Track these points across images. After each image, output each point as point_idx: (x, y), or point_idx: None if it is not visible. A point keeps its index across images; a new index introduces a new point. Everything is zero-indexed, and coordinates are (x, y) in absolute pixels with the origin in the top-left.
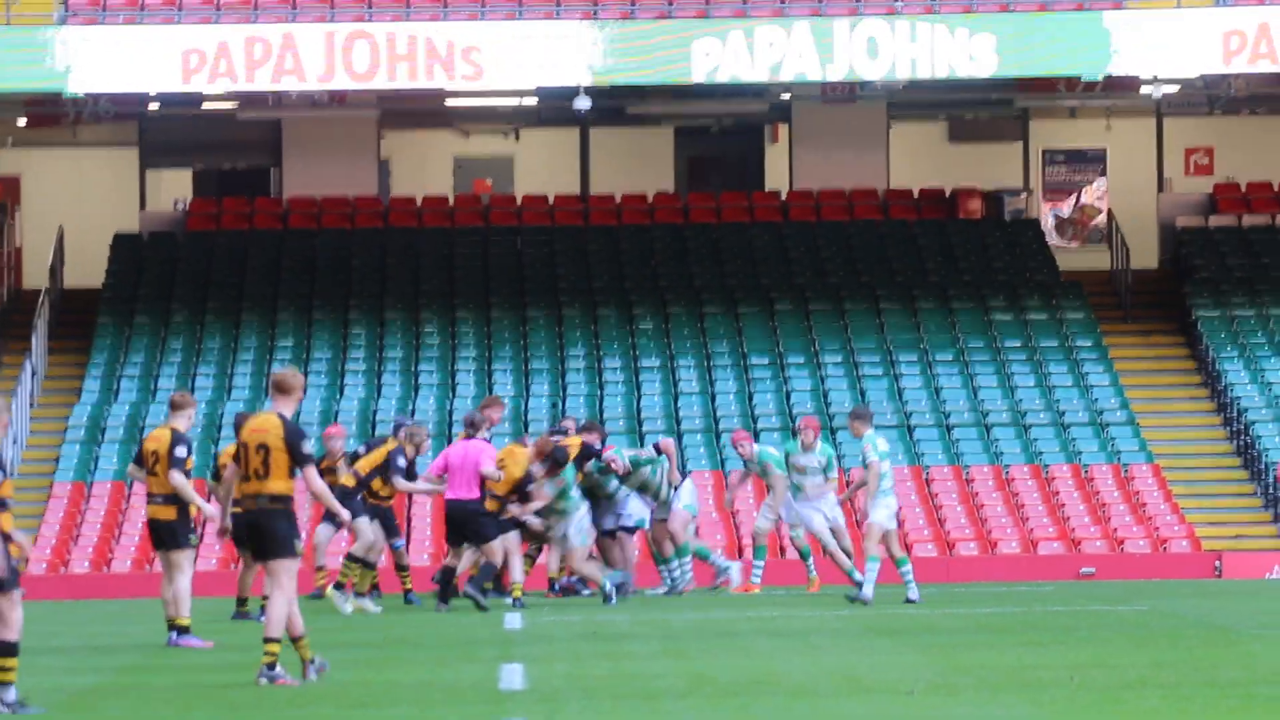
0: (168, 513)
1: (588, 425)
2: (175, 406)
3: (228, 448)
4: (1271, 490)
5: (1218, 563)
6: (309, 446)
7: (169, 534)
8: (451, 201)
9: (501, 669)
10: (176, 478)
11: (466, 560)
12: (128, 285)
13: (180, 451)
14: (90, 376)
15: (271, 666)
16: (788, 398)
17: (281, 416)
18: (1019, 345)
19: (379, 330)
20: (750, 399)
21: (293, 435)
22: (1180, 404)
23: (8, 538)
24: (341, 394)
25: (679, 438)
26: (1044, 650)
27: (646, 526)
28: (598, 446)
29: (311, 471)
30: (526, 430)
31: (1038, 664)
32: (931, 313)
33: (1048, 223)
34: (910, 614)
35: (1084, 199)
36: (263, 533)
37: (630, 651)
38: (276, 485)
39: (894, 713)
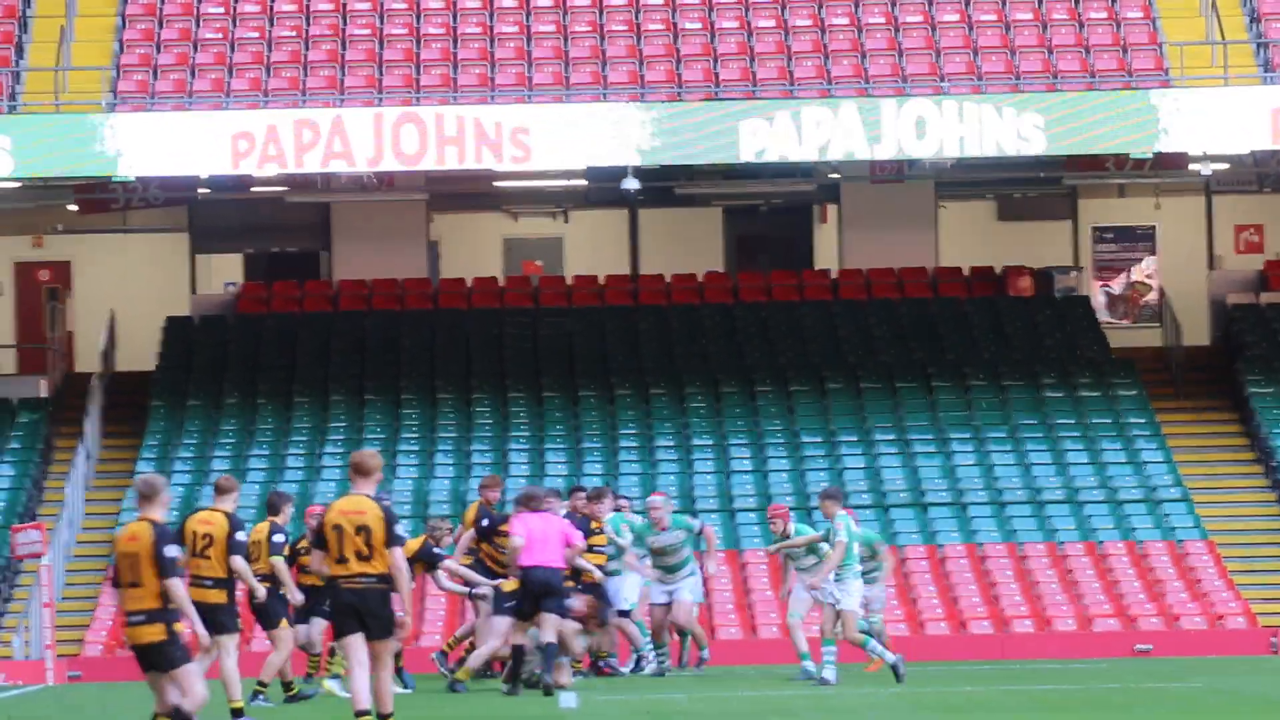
0: (218, 596)
1: (596, 492)
2: (223, 490)
3: (259, 525)
4: None
5: (1274, 639)
6: (401, 529)
7: (216, 618)
8: (501, 282)
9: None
10: (238, 562)
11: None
12: (180, 368)
13: (241, 536)
14: (143, 459)
15: None
16: (840, 475)
17: (373, 498)
18: (1072, 423)
19: (431, 411)
20: (803, 477)
21: (390, 517)
22: (1234, 480)
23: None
24: (394, 474)
25: (731, 516)
26: None
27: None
28: (606, 512)
29: (399, 552)
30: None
31: None
32: (983, 390)
33: (1098, 300)
34: (965, 692)
35: (1134, 276)
36: (371, 613)
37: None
38: (380, 565)
39: None
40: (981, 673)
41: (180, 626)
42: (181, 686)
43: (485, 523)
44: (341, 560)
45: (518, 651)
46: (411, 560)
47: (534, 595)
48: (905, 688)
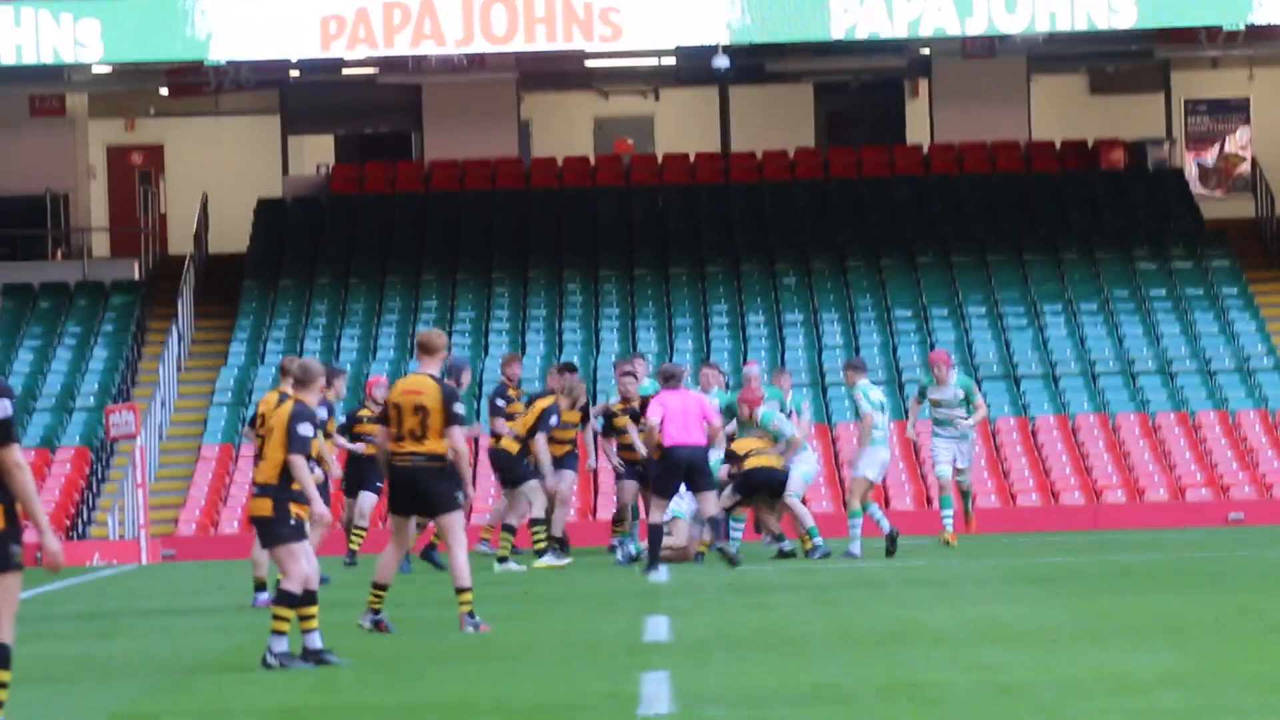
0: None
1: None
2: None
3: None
4: None
5: None
6: (460, 408)
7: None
8: (593, 162)
9: (646, 622)
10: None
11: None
12: (272, 250)
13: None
14: (236, 340)
15: (472, 615)
16: (932, 348)
17: (435, 379)
18: (1164, 294)
19: (523, 290)
20: (894, 351)
21: (449, 397)
22: None
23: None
24: (486, 353)
25: (823, 391)
26: (1189, 596)
27: None
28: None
29: (459, 432)
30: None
31: (1183, 610)
32: (1075, 263)
33: (1192, 172)
34: (1056, 563)
35: (1228, 148)
36: (425, 492)
37: (776, 603)
38: (434, 445)
39: (1036, 660)
40: (1073, 543)
41: (295, 506)
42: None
43: (500, 401)
44: (399, 438)
45: (655, 531)
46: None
47: (680, 474)
48: (992, 559)
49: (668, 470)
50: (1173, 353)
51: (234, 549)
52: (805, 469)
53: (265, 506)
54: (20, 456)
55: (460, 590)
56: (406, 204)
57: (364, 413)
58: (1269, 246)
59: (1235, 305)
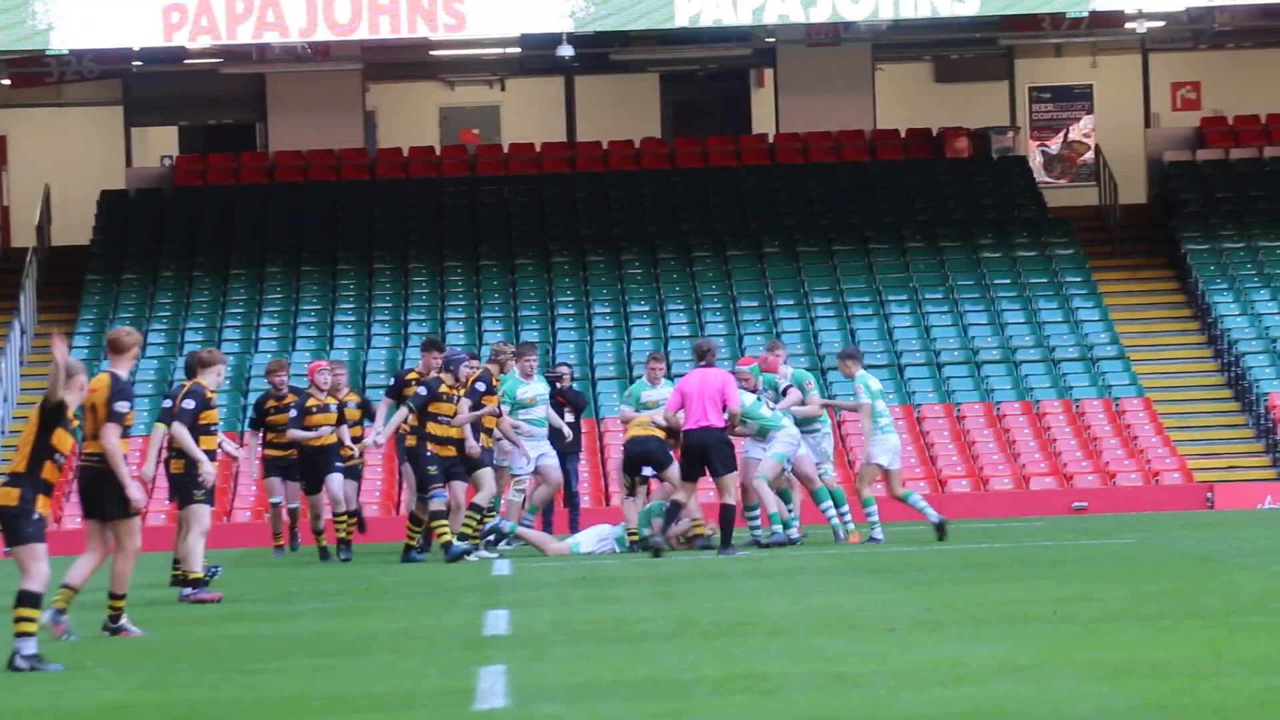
0: (177, 466)
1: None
2: (203, 364)
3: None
4: (1263, 421)
5: (1209, 494)
6: (123, 406)
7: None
8: (438, 151)
9: (487, 615)
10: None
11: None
12: (115, 242)
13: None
14: (80, 333)
15: (115, 619)
16: (778, 338)
17: (113, 375)
18: (1008, 283)
19: (368, 281)
20: (740, 341)
21: (114, 395)
22: (1170, 337)
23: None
24: (331, 345)
25: (670, 380)
26: (1030, 585)
27: None
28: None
29: (112, 430)
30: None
31: (1023, 599)
32: (920, 251)
33: (1036, 160)
34: (898, 552)
35: (1072, 136)
36: (97, 496)
37: (618, 595)
38: (96, 445)
39: (874, 650)
40: (915, 533)
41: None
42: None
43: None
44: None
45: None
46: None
47: (697, 458)
48: (837, 549)
49: (686, 455)
50: (1017, 341)
51: (77, 544)
52: (780, 449)
53: (11, 496)
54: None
55: (67, 585)
56: (251, 195)
57: (312, 402)
58: (1112, 235)
59: (1079, 294)
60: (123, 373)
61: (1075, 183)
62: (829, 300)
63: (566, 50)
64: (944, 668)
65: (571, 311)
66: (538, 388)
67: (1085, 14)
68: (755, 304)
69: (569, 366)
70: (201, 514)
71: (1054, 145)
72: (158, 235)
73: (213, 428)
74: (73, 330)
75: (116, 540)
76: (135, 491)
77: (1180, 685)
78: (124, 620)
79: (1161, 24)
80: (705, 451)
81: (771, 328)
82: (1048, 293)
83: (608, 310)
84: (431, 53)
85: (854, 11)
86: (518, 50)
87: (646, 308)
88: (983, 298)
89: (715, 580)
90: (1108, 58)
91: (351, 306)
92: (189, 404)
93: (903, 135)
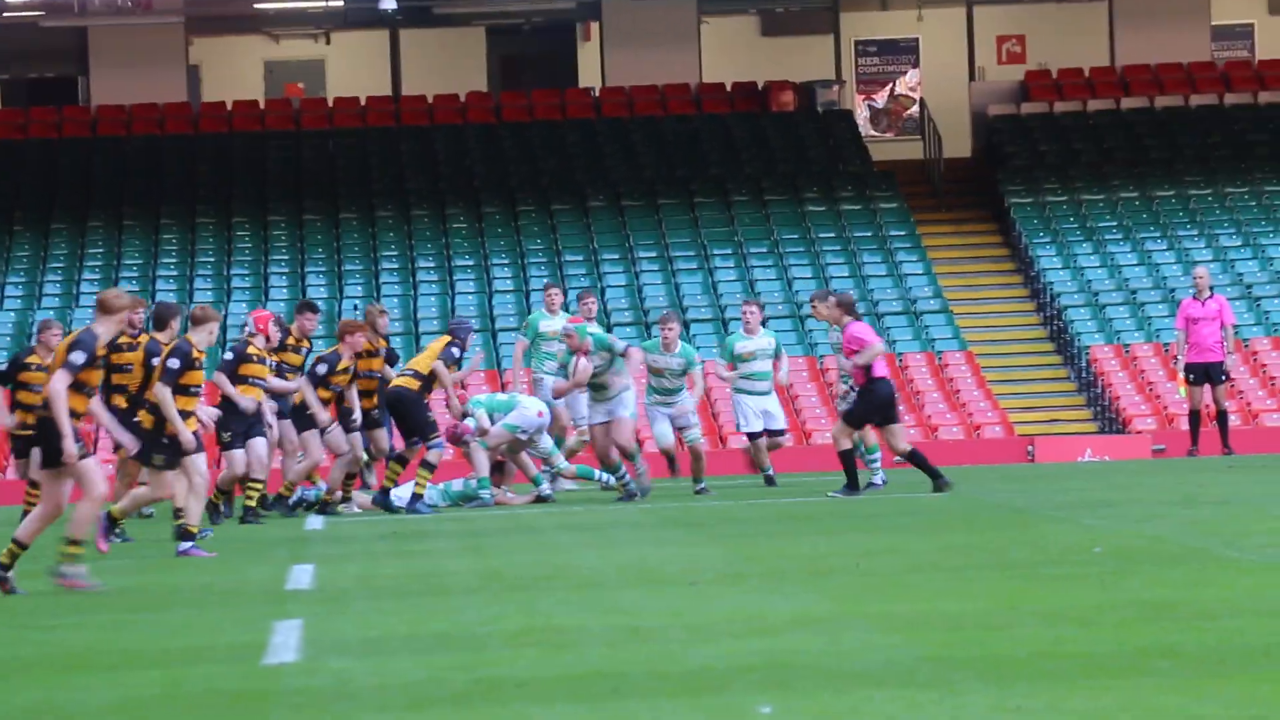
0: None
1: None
2: (195, 321)
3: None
4: (1084, 374)
5: (1030, 447)
6: (78, 357)
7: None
8: (262, 105)
9: (291, 570)
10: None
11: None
12: None
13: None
14: None
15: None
16: (603, 294)
17: (86, 329)
18: (832, 236)
19: (190, 236)
20: (565, 294)
21: (73, 345)
22: (994, 291)
23: None
24: (153, 299)
25: (493, 336)
26: (838, 538)
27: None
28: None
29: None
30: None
31: (830, 552)
32: (745, 206)
33: (863, 114)
34: (713, 506)
35: (898, 90)
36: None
37: (427, 550)
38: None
39: (673, 603)
40: (733, 487)
41: None
42: None
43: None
44: None
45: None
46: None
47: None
48: (651, 504)
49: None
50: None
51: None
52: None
53: None
54: None
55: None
56: (73, 149)
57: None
58: (937, 188)
59: (903, 247)
60: (100, 330)
61: (901, 137)
62: (654, 255)
63: (389, 4)
64: (739, 620)
65: (395, 266)
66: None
67: None
68: (581, 258)
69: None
70: (162, 482)
71: (880, 99)
72: None
73: (194, 389)
74: None
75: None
76: (70, 444)
77: (970, 636)
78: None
79: None
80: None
81: (596, 282)
82: (872, 246)
83: (431, 265)
84: (255, 5)
85: None
86: (341, 3)
87: (471, 262)
88: (807, 251)
89: (528, 535)
90: (933, 11)
91: (174, 261)
92: (173, 363)
93: (728, 89)
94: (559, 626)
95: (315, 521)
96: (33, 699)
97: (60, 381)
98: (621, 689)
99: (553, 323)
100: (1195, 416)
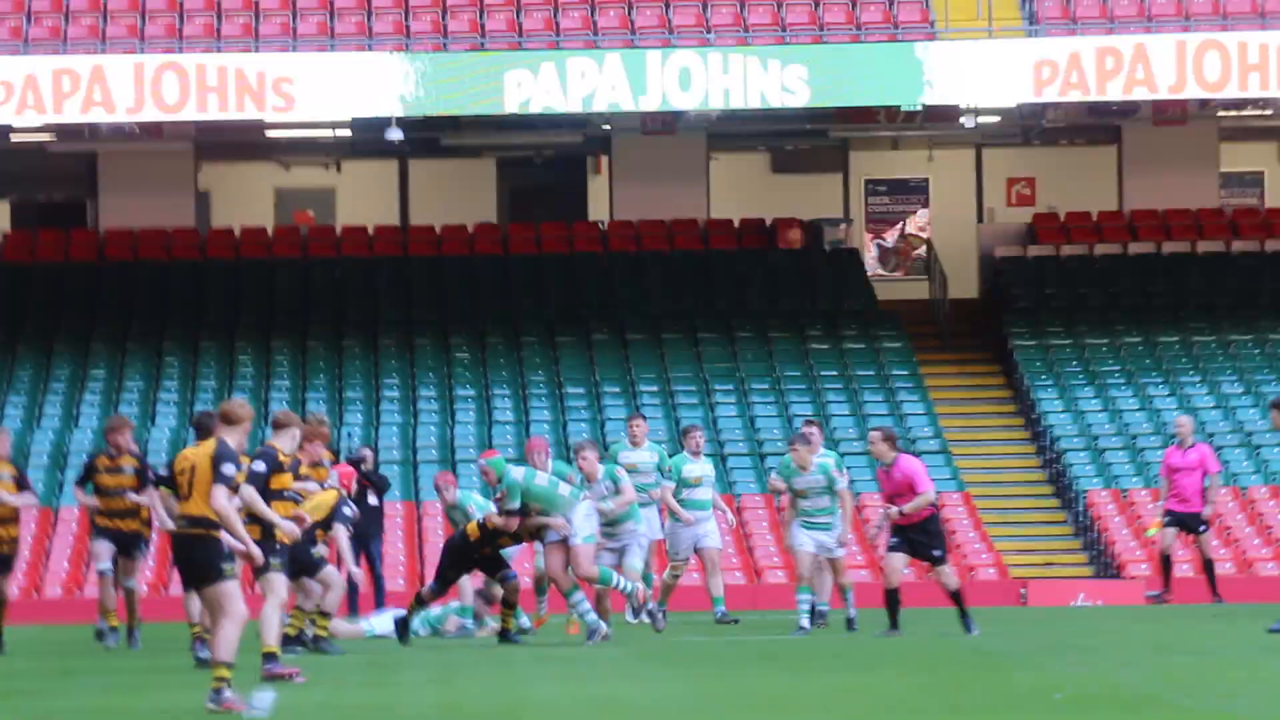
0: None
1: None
2: (278, 426)
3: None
4: (1081, 519)
5: (1023, 590)
6: (229, 469)
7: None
8: (270, 233)
9: (254, 694)
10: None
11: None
12: None
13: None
14: None
15: (219, 691)
16: (603, 426)
17: (220, 440)
18: (835, 374)
19: (193, 361)
20: (564, 428)
21: (220, 458)
22: (994, 433)
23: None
24: (153, 423)
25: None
26: (812, 676)
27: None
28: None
29: (220, 491)
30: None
31: (799, 690)
32: (749, 342)
33: (871, 253)
34: (698, 641)
35: (908, 229)
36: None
37: (397, 681)
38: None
39: None
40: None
41: None
42: None
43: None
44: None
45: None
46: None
47: None
48: (626, 643)
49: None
50: (841, 433)
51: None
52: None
53: None
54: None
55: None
56: (80, 273)
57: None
58: (941, 329)
59: (905, 387)
60: (231, 441)
61: (910, 276)
62: (655, 389)
63: (396, 134)
64: None
65: (396, 395)
66: (704, 467)
67: (919, 108)
68: (581, 390)
69: (371, 449)
70: (277, 583)
71: (890, 238)
72: None
73: (286, 493)
74: None
75: (214, 606)
76: (255, 549)
77: None
78: (227, 692)
79: (995, 119)
80: None
81: (596, 415)
82: (873, 385)
83: (433, 394)
84: (266, 133)
85: (684, 100)
86: (349, 133)
87: (472, 392)
88: (809, 389)
89: (500, 667)
90: (944, 151)
91: (175, 386)
92: (259, 466)
93: (736, 225)
94: None
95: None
96: None
97: (223, 496)
98: None
99: (633, 455)
100: (1165, 560)
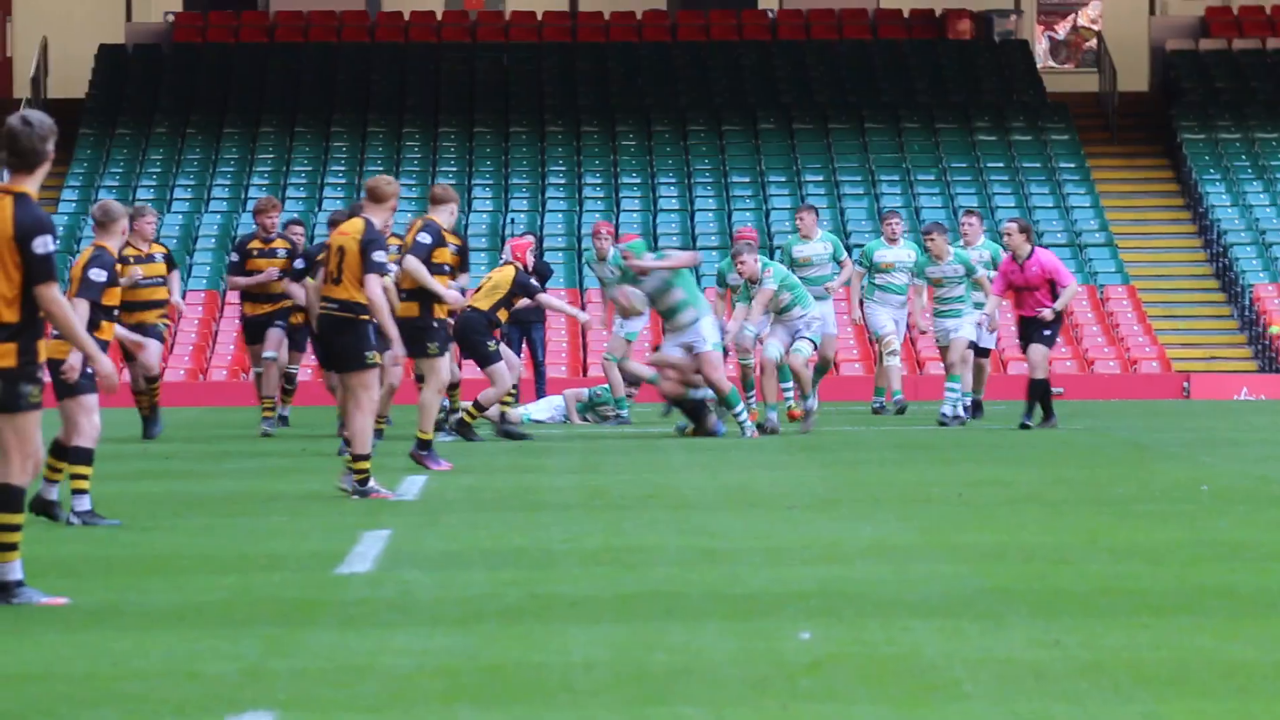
0: (408, 310)
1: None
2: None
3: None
4: (1247, 313)
5: (1186, 384)
6: (381, 255)
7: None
8: (439, 17)
9: (403, 481)
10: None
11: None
12: (111, 97)
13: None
14: (69, 186)
15: (364, 482)
16: (767, 216)
17: (368, 222)
18: (1001, 167)
19: (360, 145)
20: (729, 217)
21: (370, 242)
22: (1161, 226)
23: (106, 345)
24: (320, 207)
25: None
26: (949, 468)
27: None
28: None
29: (374, 280)
30: (503, 244)
31: (936, 481)
32: (915, 133)
33: (1042, 45)
34: (841, 431)
35: (1079, 21)
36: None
37: (543, 466)
38: (348, 292)
39: (761, 527)
40: (859, 413)
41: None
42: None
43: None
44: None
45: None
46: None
47: None
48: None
49: None
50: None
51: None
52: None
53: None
54: (59, 293)
55: (357, 458)
56: (249, 55)
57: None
58: (1110, 122)
59: (1072, 180)
60: (377, 221)
61: (1079, 69)
62: (821, 179)
63: None
64: (817, 546)
65: (563, 181)
66: (815, 247)
67: None
68: (747, 179)
69: (534, 235)
70: (439, 367)
71: (1062, 30)
72: (153, 92)
73: (445, 267)
74: (62, 183)
75: (352, 392)
76: (396, 337)
77: (1037, 570)
78: (372, 483)
79: None
80: None
81: (762, 204)
82: (1040, 178)
83: (599, 181)
84: None
85: None
86: None
87: (638, 180)
88: (975, 180)
89: (648, 453)
90: None
91: (343, 169)
92: (425, 239)
93: (906, 15)
94: (636, 546)
95: (443, 435)
96: (99, 600)
97: (376, 285)
98: (674, 610)
99: (805, 248)
100: None
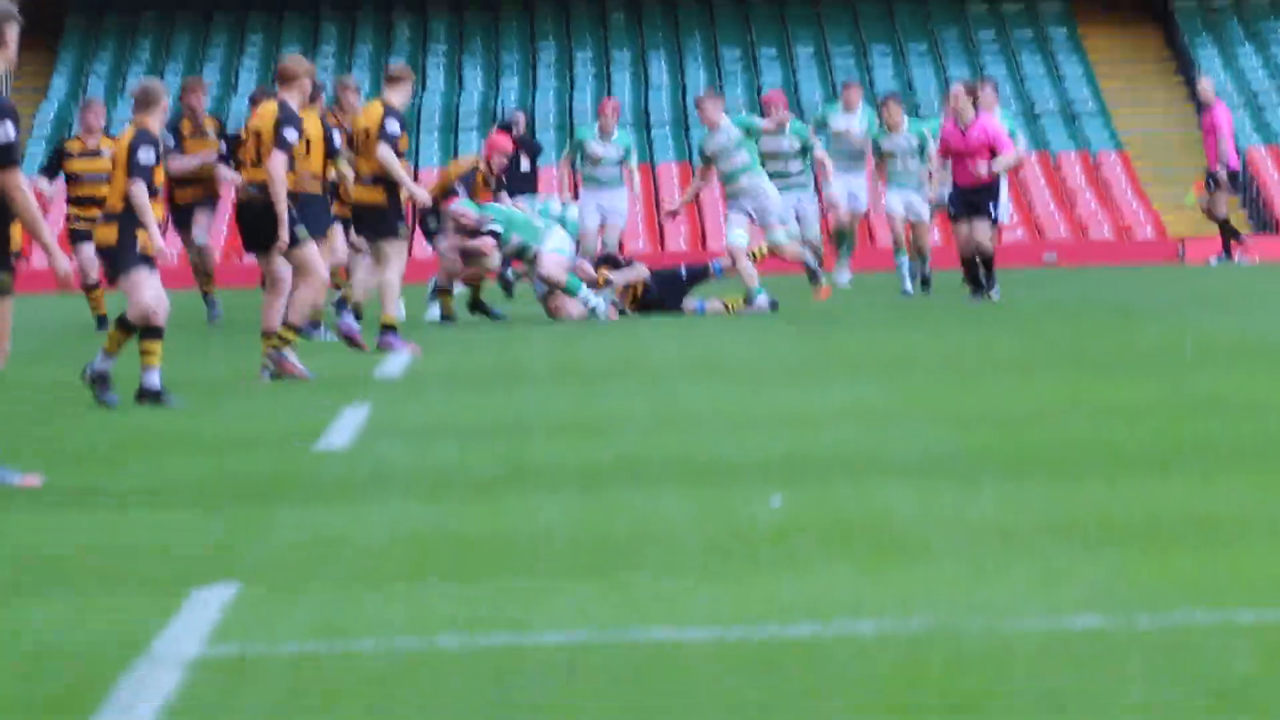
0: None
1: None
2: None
3: None
4: (1241, 176)
5: (1181, 248)
6: (292, 134)
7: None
8: None
9: (390, 358)
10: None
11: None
12: None
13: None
14: (58, 75)
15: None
16: (759, 90)
17: (281, 102)
18: (993, 34)
19: (350, 30)
20: (721, 91)
21: (282, 121)
22: (1154, 93)
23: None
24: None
25: (647, 130)
26: (938, 336)
27: None
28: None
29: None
30: (494, 123)
31: (922, 346)
32: (906, 4)
33: None
34: (831, 302)
35: None
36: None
37: (522, 340)
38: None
39: (730, 394)
40: (880, 283)
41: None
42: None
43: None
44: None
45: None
46: None
47: None
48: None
49: None
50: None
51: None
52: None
53: (110, 235)
54: (21, 180)
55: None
56: None
57: None
58: None
59: (1064, 48)
60: (291, 101)
61: None
62: (811, 51)
63: None
64: (790, 414)
65: (552, 59)
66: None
67: None
68: (738, 53)
69: (525, 113)
70: (402, 251)
71: None
72: None
73: (403, 154)
74: (51, 71)
75: (298, 270)
76: (285, 223)
77: (1016, 431)
78: (288, 353)
79: None
80: None
81: (754, 79)
82: (1031, 46)
83: (589, 57)
84: None
85: None
86: None
87: (628, 56)
88: (966, 49)
89: (620, 330)
90: None
91: (332, 52)
92: (394, 127)
93: None
94: (606, 414)
95: (435, 310)
96: (76, 482)
97: (279, 162)
98: (641, 475)
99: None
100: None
